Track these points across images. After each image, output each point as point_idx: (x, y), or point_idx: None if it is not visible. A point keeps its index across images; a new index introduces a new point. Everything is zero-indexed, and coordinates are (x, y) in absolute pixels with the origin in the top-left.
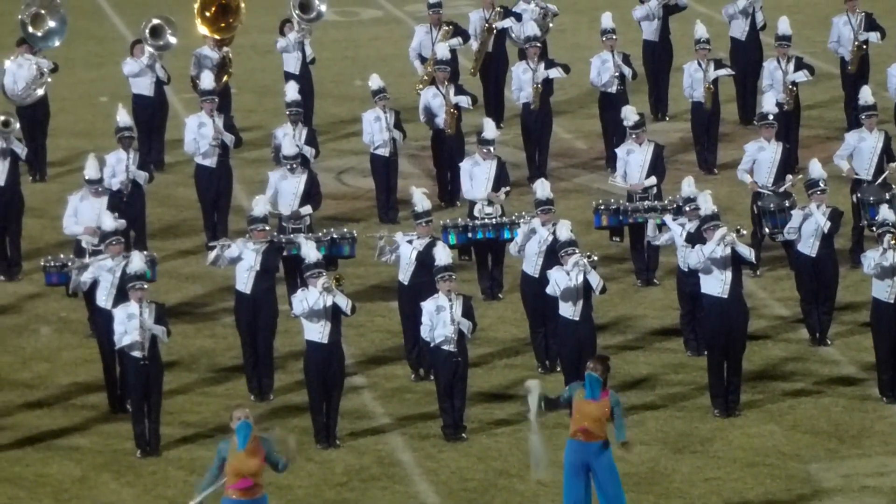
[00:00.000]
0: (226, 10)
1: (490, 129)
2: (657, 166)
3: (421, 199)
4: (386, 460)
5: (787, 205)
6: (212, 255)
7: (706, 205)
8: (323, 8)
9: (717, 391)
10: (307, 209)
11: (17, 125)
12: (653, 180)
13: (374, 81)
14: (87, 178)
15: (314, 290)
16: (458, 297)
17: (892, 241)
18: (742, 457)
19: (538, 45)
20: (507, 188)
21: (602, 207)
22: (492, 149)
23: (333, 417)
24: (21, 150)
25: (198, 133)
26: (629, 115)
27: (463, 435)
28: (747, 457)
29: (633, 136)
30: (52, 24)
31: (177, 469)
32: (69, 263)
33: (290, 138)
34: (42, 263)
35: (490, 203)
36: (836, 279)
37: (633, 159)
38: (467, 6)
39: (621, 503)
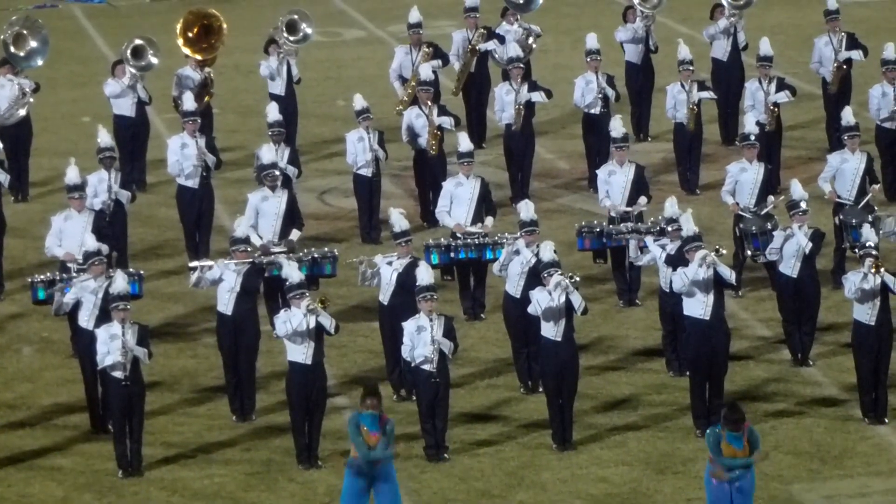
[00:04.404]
0: (208, 30)
1: (465, 142)
2: (640, 186)
3: (399, 219)
4: None
5: (769, 227)
6: (193, 276)
7: (688, 225)
8: (309, 30)
9: (699, 412)
10: (296, 234)
11: (0, 147)
12: (643, 200)
13: (358, 102)
14: (67, 184)
15: (297, 311)
16: (439, 317)
17: (874, 269)
18: None
19: (521, 65)
20: (492, 217)
21: (585, 230)
22: (472, 161)
23: (315, 438)
24: (4, 177)
25: (181, 154)
26: (617, 127)
27: (445, 455)
28: None
29: (617, 148)
30: (34, 44)
31: (159, 490)
32: (56, 279)
33: (271, 150)
34: (29, 280)
35: (473, 223)
36: (818, 300)
37: (616, 181)
38: (450, 26)
39: None
